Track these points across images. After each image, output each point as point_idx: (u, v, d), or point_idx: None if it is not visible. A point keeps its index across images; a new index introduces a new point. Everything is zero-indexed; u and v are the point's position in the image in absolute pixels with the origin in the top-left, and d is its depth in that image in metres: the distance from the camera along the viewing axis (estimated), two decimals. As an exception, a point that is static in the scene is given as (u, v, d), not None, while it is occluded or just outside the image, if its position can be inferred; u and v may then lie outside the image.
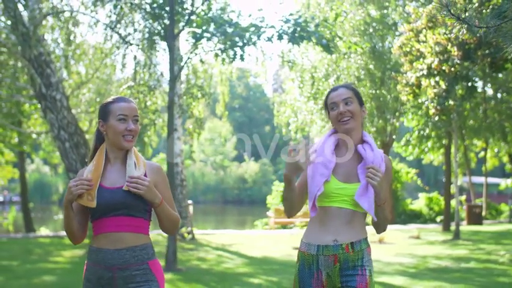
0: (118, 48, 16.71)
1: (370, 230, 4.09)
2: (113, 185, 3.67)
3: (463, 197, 32.28)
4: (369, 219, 5.24)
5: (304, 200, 3.89)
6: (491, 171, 43.02)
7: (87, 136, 20.68)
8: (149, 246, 3.71)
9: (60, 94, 17.68)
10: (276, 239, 19.72)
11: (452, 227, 19.98)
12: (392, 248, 16.74)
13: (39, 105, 21.93)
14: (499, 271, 12.25)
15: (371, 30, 22.00)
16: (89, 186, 3.58)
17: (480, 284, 10.52)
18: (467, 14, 5.21)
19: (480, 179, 37.56)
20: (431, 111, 16.71)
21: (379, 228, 3.85)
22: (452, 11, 4.78)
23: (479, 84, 23.97)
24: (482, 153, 35.16)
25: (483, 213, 30.29)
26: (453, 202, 29.67)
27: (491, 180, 45.53)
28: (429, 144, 28.24)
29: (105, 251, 3.60)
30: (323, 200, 3.76)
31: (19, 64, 20.98)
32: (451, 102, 16.14)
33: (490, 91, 27.61)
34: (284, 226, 24.93)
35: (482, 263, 13.57)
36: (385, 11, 22.46)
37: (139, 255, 3.65)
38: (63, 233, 23.50)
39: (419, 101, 18.82)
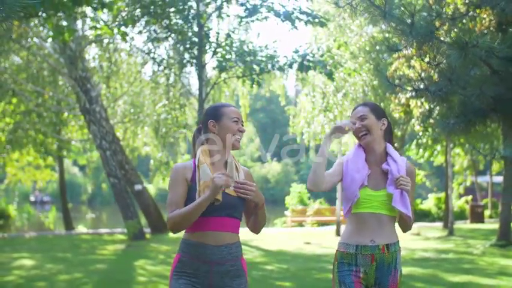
0: (154, 72, 18.80)
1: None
2: None
3: (470, 197, 33.16)
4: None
5: (328, 184, 4.11)
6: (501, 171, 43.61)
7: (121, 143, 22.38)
8: (240, 244, 3.87)
9: (99, 106, 19.42)
10: (291, 236, 20.89)
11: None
12: (391, 242, 18.16)
13: (76, 114, 24.16)
14: (468, 260, 13.84)
15: (377, 47, 23.65)
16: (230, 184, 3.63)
17: (445, 269, 12.30)
18: (401, 82, 7.82)
19: (496, 179, 38.07)
20: (417, 127, 18.85)
21: (406, 227, 4.14)
22: (390, 81, 7.36)
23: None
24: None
25: (488, 212, 31.68)
26: (460, 202, 31.62)
27: (500, 179, 46.28)
28: (438, 147, 29.67)
29: (206, 246, 3.69)
30: (357, 206, 4.05)
31: (59, 78, 23.04)
32: (431, 120, 18.08)
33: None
34: (300, 224, 27.11)
35: (459, 254, 15.03)
36: (387, 35, 24.02)
37: (235, 252, 3.78)
38: (102, 230, 24.74)
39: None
